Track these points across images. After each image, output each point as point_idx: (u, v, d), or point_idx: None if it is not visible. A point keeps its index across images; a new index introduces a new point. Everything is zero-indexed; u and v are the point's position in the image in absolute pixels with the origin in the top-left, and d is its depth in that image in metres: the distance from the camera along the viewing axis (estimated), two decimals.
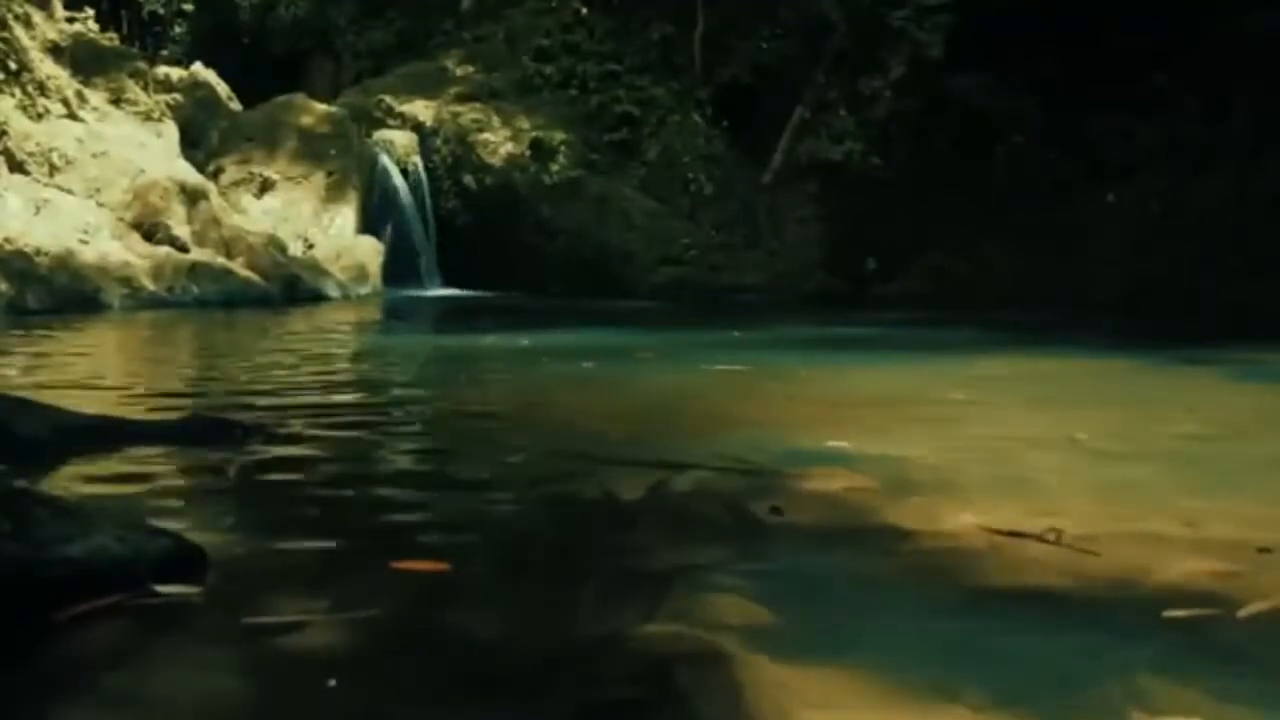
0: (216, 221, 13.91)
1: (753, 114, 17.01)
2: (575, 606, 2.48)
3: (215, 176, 15.61)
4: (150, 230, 13.22)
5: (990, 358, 8.01)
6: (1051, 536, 2.90)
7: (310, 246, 15.39)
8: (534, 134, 17.12)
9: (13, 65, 13.45)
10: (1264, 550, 2.81)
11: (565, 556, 2.94)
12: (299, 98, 17.54)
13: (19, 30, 13.89)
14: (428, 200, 17.00)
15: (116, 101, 14.94)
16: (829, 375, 7.12)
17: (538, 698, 2.02)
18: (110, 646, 2.18)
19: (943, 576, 2.70)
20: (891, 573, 2.75)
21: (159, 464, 3.79)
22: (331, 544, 2.94)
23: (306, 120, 16.91)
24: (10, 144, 12.88)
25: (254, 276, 13.46)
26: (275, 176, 16.14)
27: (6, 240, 11.61)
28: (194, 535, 2.65)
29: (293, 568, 2.74)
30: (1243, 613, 2.36)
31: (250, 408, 5.10)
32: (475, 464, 4.09)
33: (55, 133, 13.47)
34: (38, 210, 12.45)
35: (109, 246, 12.64)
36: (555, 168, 16.91)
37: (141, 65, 16.16)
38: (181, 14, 22.84)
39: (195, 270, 12.94)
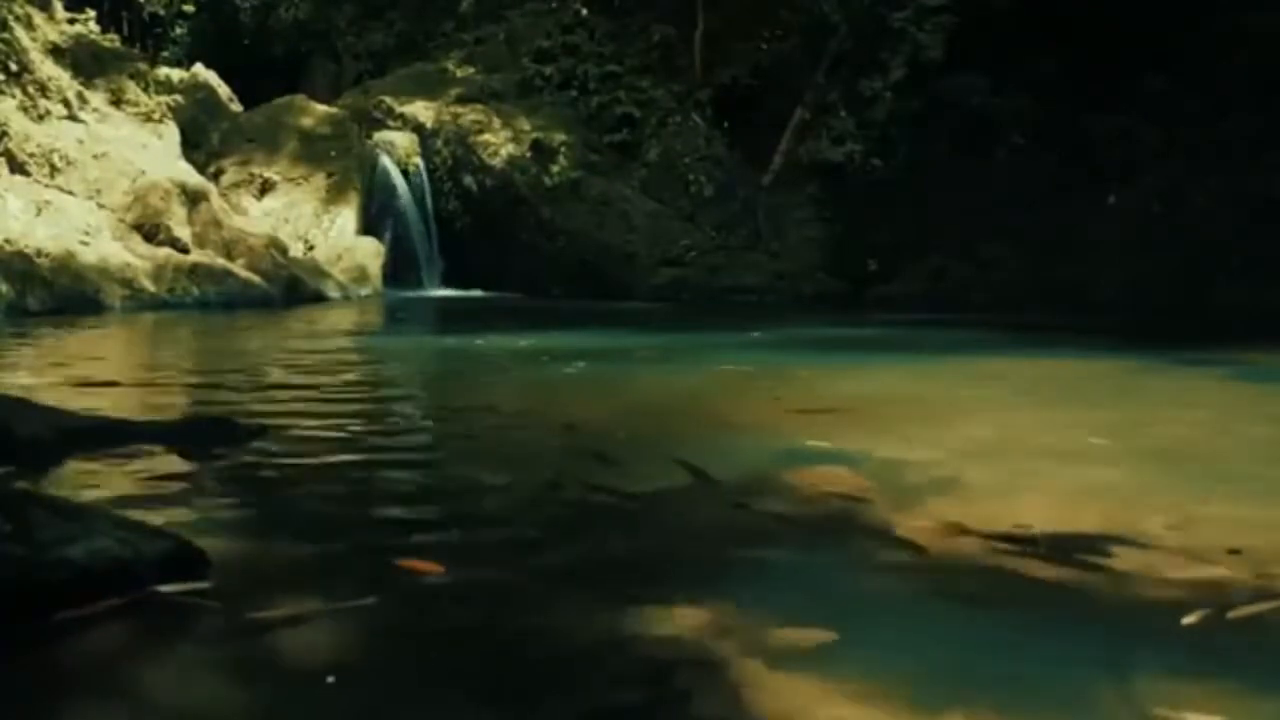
0: (217, 223, 13.91)
1: (753, 115, 17.00)
2: (571, 607, 2.48)
3: (216, 178, 15.62)
4: (151, 231, 13.23)
5: (991, 359, 8.01)
6: (1037, 541, 2.92)
7: (311, 248, 15.40)
8: (534, 135, 17.12)
9: (14, 66, 13.45)
10: (1234, 551, 2.83)
11: (561, 557, 2.94)
12: (299, 99, 17.55)
13: (20, 31, 13.89)
14: (428, 201, 17.00)
15: (117, 103, 14.93)
16: (830, 376, 7.11)
17: (537, 699, 2.03)
18: (110, 647, 2.19)
19: (939, 579, 2.70)
20: (888, 575, 2.75)
21: (159, 465, 3.80)
22: (331, 544, 2.95)
23: (307, 121, 16.92)
24: (11, 145, 12.88)
25: (254, 278, 13.46)
26: (276, 178, 16.15)
27: (7, 242, 11.62)
28: (194, 536, 2.66)
29: (292, 568, 2.75)
30: (1231, 614, 2.38)
31: (250, 408, 5.11)
32: (474, 465, 4.09)
33: (56, 134, 13.47)
34: (39, 211, 12.45)
35: (110, 248, 12.64)
36: (556, 169, 16.90)
37: (142, 66, 16.17)
38: (182, 15, 22.85)
39: (196, 271, 12.95)
